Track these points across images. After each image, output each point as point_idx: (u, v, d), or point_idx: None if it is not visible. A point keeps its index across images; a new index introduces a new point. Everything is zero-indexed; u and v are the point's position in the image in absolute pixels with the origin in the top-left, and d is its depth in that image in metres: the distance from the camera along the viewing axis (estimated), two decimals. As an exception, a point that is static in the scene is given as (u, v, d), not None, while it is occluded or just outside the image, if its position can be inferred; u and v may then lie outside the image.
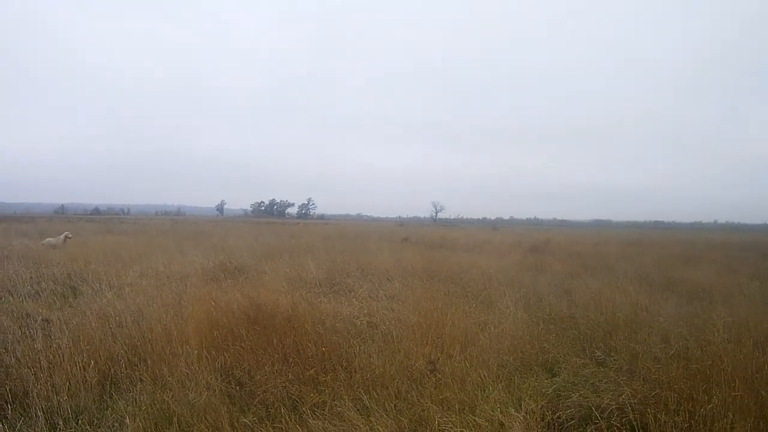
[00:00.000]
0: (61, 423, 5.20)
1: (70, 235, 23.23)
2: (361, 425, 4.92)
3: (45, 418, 5.24)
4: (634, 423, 4.91)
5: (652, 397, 5.23)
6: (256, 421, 5.24)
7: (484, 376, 6.15)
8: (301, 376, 6.21)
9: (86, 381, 6.04)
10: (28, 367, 6.20)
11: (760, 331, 7.44)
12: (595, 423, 4.98)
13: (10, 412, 5.34)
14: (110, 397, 5.89)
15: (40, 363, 6.29)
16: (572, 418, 5.24)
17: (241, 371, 6.37)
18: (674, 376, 5.49)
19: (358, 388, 5.90)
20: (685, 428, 4.74)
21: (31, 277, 12.37)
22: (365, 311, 9.61)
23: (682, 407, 4.96)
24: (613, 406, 5.19)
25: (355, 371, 6.31)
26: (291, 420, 5.15)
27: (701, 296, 11.59)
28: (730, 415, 4.78)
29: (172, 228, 47.40)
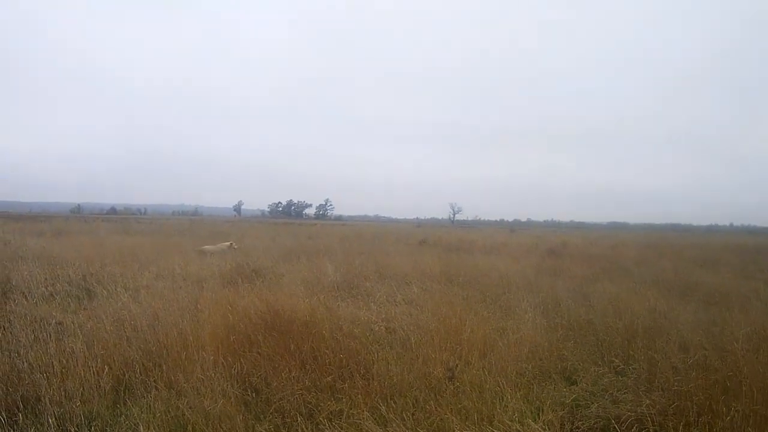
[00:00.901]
0: (73, 430, 5.17)
1: (236, 245, 23.14)
2: (378, 435, 4.85)
3: (57, 425, 5.19)
4: (654, 436, 4.83)
5: (672, 408, 5.14)
6: (272, 430, 5.25)
7: (503, 384, 6.08)
8: (318, 384, 6.19)
9: (100, 386, 6.01)
10: (40, 372, 6.15)
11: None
12: (614, 434, 4.92)
13: (21, 418, 5.26)
14: (124, 404, 5.85)
15: (53, 367, 6.26)
16: (591, 429, 5.20)
17: (258, 378, 6.35)
18: (693, 387, 5.37)
19: (375, 396, 5.86)
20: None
21: (46, 279, 12.31)
22: (383, 316, 9.53)
23: (701, 419, 4.88)
24: (632, 418, 5.12)
25: (373, 379, 6.27)
26: (307, 429, 5.14)
27: (718, 302, 11.40)
28: (750, 431, 4.69)
29: (190, 228, 47.51)
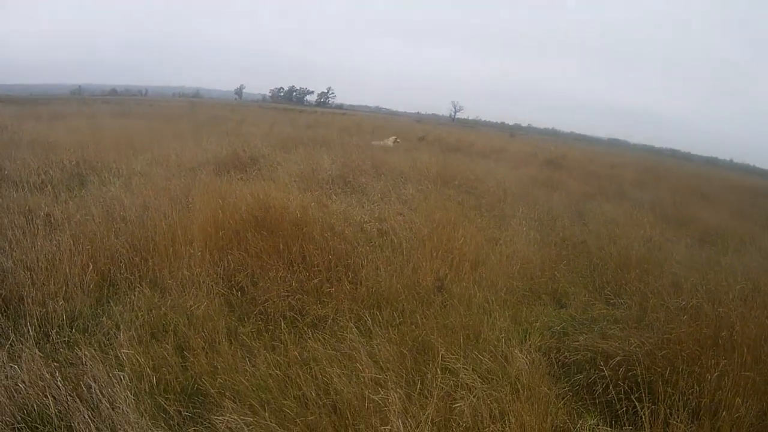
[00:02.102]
0: (54, 332, 4.93)
1: (399, 140, 24.79)
2: (361, 348, 4.73)
3: (39, 326, 4.97)
4: (640, 380, 4.62)
5: (661, 357, 4.97)
6: (254, 333, 5.18)
7: (492, 300, 6.03)
8: (305, 286, 6.14)
9: (84, 283, 5.80)
10: (25, 270, 5.84)
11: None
12: (600, 371, 4.78)
13: (1, 319, 5.02)
14: (107, 302, 5.68)
15: (38, 264, 5.95)
16: (578, 363, 5.11)
17: (244, 276, 6.29)
18: (683, 333, 5.10)
19: (362, 303, 5.82)
20: (689, 393, 4.45)
21: (39, 166, 11.69)
22: (376, 215, 9.46)
23: (689, 368, 4.69)
24: (620, 356, 4.90)
25: (361, 284, 6.22)
26: (289, 336, 5.03)
27: (714, 241, 11.15)
28: (739, 400, 4.45)
29: (190, 111, 46.38)
